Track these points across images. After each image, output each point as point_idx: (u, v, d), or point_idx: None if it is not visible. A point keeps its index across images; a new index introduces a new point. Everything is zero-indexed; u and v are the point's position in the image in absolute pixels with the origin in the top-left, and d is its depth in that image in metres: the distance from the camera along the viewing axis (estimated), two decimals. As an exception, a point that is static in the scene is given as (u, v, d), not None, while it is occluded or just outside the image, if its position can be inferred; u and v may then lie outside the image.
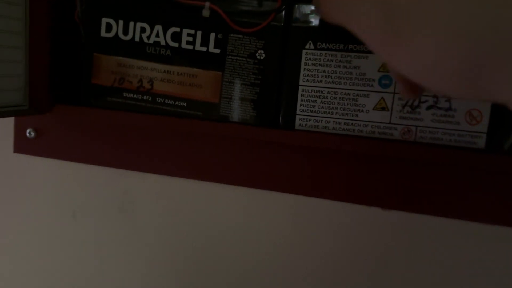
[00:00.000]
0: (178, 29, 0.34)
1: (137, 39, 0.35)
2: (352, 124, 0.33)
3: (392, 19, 0.18)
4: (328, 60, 0.33)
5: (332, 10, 0.22)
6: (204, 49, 0.34)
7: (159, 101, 0.36)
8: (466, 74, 0.17)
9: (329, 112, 0.33)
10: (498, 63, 0.16)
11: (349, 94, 0.33)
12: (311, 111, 0.34)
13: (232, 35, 0.34)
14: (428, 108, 0.32)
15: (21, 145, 0.41)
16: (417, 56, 0.18)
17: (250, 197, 0.39)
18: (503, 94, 0.17)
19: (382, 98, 0.32)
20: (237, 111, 0.35)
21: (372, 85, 0.32)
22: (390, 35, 0.19)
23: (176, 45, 0.35)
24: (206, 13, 0.33)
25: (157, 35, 0.35)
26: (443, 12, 0.17)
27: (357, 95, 0.33)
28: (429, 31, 0.17)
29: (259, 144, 0.37)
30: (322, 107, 0.33)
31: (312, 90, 0.33)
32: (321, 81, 0.33)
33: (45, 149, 0.41)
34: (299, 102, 0.34)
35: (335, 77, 0.33)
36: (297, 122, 0.34)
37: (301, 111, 0.34)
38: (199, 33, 0.34)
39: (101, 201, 0.42)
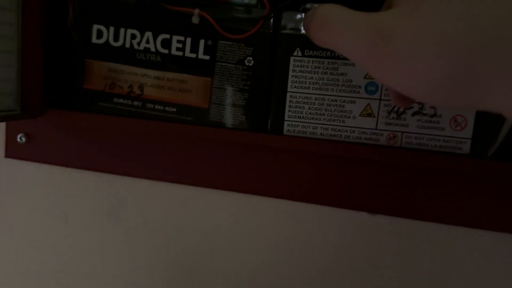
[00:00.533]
0: (168, 36, 0.35)
1: (127, 45, 0.36)
2: (339, 130, 0.34)
3: (380, 35, 0.19)
4: (315, 67, 0.33)
5: (321, 35, 0.22)
6: (194, 55, 0.35)
7: (149, 106, 0.36)
8: (456, 85, 0.18)
9: (316, 118, 0.34)
10: (490, 72, 0.17)
11: (336, 100, 0.33)
12: (299, 117, 0.34)
13: (221, 41, 0.34)
14: (414, 114, 0.32)
15: (13, 150, 0.42)
16: (405, 70, 0.19)
17: (240, 202, 0.39)
18: (497, 104, 0.17)
19: (368, 104, 0.33)
20: (226, 116, 0.35)
21: (358, 92, 0.33)
22: (379, 51, 0.19)
23: (166, 51, 0.35)
24: (195, 20, 0.34)
25: (147, 42, 0.35)
26: (430, 24, 0.18)
27: (344, 101, 0.33)
28: (417, 44, 0.18)
29: (249, 149, 0.37)
30: (310, 113, 0.34)
31: (300, 96, 0.34)
32: (308, 88, 0.34)
33: (37, 154, 0.41)
34: (287, 108, 0.34)
35: (323, 84, 0.33)
36: (285, 127, 0.35)
37: (289, 117, 0.34)
38: (188, 40, 0.35)
39: (92, 206, 0.42)
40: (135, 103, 0.36)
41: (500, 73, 0.16)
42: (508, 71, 0.16)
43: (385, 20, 0.19)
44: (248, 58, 0.34)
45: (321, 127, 0.34)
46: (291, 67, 0.34)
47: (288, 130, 0.35)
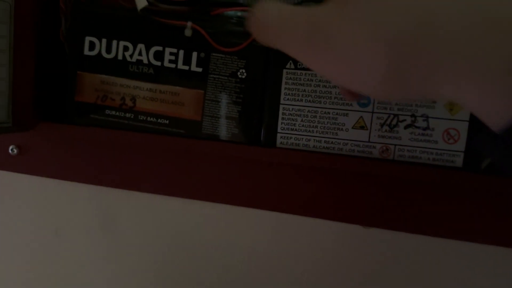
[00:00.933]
0: (160, 48, 0.35)
1: (120, 57, 0.35)
2: (332, 142, 0.33)
3: (318, 30, 0.19)
4: (308, 80, 0.33)
5: (263, 33, 0.22)
6: (187, 67, 0.35)
7: (141, 118, 0.36)
8: (399, 76, 0.17)
9: (309, 130, 0.34)
10: (431, 61, 0.16)
11: (328, 113, 0.33)
12: (292, 129, 0.34)
13: (214, 54, 0.34)
14: (406, 127, 0.32)
15: (4, 162, 0.41)
16: (346, 64, 0.18)
17: (233, 214, 0.39)
18: (441, 92, 0.17)
19: (361, 117, 0.33)
20: (219, 128, 0.35)
21: (351, 104, 0.33)
22: (318, 46, 0.19)
23: (159, 63, 0.35)
24: (188, 32, 0.33)
25: (140, 54, 0.35)
26: (367, 17, 0.18)
27: (337, 114, 0.33)
28: (355, 38, 0.18)
29: (242, 161, 0.37)
30: (303, 125, 0.34)
31: (293, 109, 0.34)
32: (301, 100, 0.34)
33: (28, 166, 0.41)
34: (280, 120, 0.34)
35: (315, 96, 0.33)
36: (278, 140, 0.34)
37: (282, 129, 0.34)
38: (181, 52, 0.35)
39: (84, 218, 0.42)
40: (128, 115, 0.36)
41: (440, 61, 0.16)
42: (447, 59, 0.16)
43: (322, 14, 0.19)
44: (241, 71, 0.34)
45: (314, 140, 0.34)
46: (284, 80, 0.34)
47: (281, 142, 0.34)
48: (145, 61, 0.35)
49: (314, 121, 0.34)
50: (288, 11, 0.20)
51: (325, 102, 0.33)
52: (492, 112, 0.16)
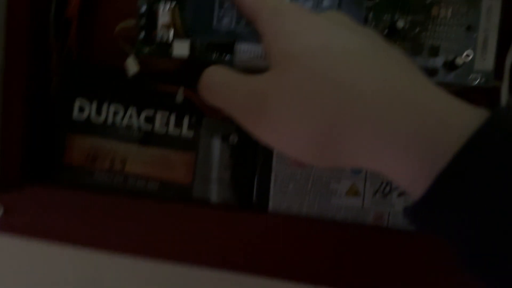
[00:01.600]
0: (151, 112, 0.35)
1: (110, 121, 0.35)
2: (325, 208, 0.33)
3: (256, 97, 0.20)
4: (300, 145, 0.33)
5: (210, 96, 0.23)
6: (178, 132, 0.34)
7: (131, 182, 0.35)
8: (321, 146, 0.19)
9: (302, 196, 0.33)
10: (348, 135, 0.18)
11: (321, 178, 0.33)
12: (285, 194, 0.34)
13: (205, 118, 0.34)
14: (399, 195, 0.32)
15: (-13, 224, 0.40)
16: (277, 131, 0.20)
17: (225, 280, 0.38)
18: (360, 161, 0.19)
19: (354, 183, 0.32)
20: (210, 192, 0.35)
21: (343, 170, 0.33)
22: (256, 113, 0.20)
23: (149, 127, 0.35)
24: (179, 98, 0.33)
25: (131, 117, 0.35)
26: (295, 87, 0.19)
27: (330, 179, 0.33)
28: (284, 107, 0.19)
29: (233, 226, 0.36)
30: (295, 190, 0.33)
31: (285, 174, 0.34)
32: (293, 165, 0.33)
33: (14, 227, 0.40)
34: (272, 185, 0.34)
35: (307, 162, 0.33)
36: (271, 205, 0.34)
37: (275, 194, 0.34)
38: (173, 116, 0.34)
39: (70, 281, 0.41)
40: (117, 178, 0.35)
41: (357, 136, 0.18)
42: (363, 134, 0.18)
43: (259, 82, 0.20)
44: (232, 135, 0.34)
45: (307, 206, 0.33)
46: (276, 144, 0.34)
47: (273, 208, 0.34)
48: (136, 125, 0.35)
49: (306, 187, 0.33)
50: (232, 77, 0.22)
51: (317, 168, 0.33)
52: (408, 180, 0.17)
